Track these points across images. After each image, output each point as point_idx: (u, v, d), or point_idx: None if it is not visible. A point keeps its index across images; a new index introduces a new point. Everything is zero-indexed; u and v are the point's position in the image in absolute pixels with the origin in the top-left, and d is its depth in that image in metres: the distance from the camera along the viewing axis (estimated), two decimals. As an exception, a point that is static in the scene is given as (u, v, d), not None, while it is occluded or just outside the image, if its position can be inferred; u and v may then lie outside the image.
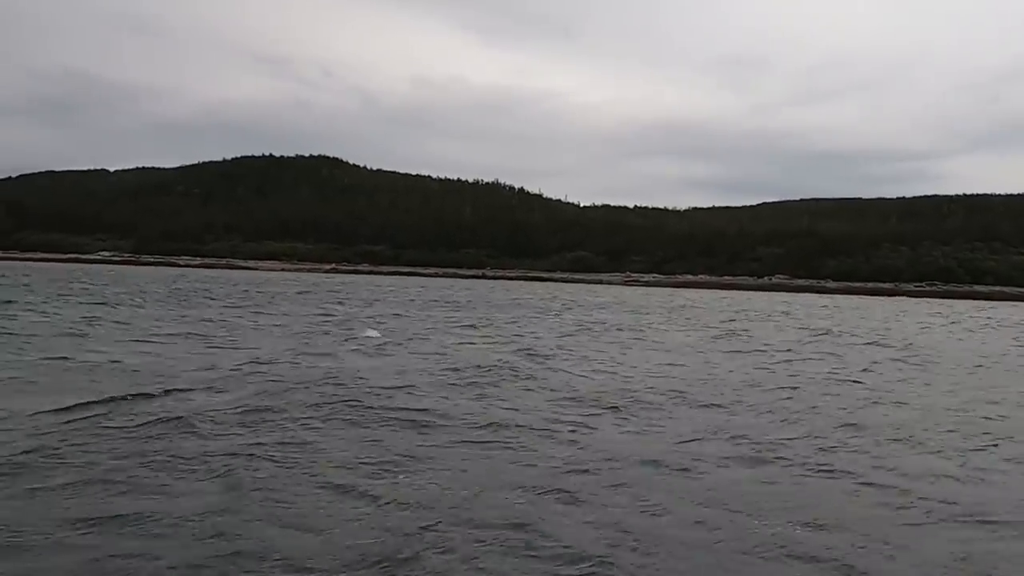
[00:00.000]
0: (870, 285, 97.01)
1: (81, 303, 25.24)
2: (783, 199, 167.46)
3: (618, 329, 23.04)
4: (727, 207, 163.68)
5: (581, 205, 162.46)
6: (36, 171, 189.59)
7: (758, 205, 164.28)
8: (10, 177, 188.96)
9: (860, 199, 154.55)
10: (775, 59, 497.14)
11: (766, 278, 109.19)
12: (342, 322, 21.89)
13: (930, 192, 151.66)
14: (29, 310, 21.26)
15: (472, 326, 22.50)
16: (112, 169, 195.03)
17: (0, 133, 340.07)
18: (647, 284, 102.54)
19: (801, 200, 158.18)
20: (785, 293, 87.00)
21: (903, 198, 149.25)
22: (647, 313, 33.14)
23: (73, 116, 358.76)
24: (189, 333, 16.77)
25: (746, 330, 24.91)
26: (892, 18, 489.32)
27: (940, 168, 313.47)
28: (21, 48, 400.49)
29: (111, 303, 26.06)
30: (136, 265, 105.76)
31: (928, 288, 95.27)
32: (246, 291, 39.41)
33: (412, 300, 37.45)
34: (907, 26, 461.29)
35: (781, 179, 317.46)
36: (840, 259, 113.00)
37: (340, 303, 32.17)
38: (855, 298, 78.59)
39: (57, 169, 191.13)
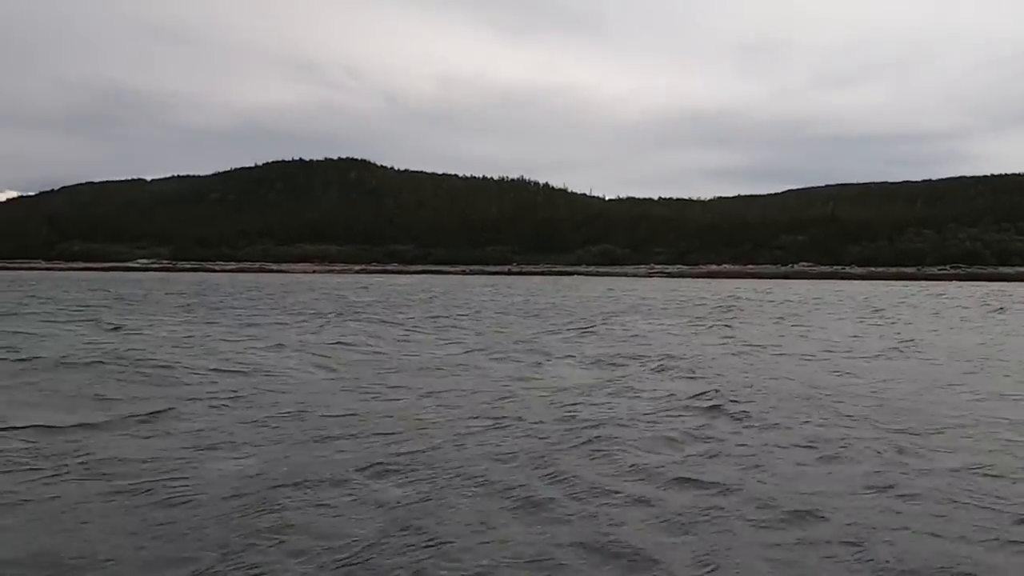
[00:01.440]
0: (893, 270, 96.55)
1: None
2: (808, 185, 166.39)
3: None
4: (751, 195, 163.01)
5: (606, 198, 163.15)
6: (76, 183, 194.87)
7: (783, 192, 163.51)
8: (52, 190, 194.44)
9: (886, 183, 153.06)
10: (798, 43, 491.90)
11: (790, 266, 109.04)
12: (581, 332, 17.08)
13: (957, 174, 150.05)
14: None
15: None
16: (149, 178, 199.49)
17: (40, 146, 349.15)
18: (671, 275, 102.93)
19: (826, 186, 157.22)
20: (808, 281, 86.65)
21: (929, 181, 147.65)
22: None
23: (111, 127, 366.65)
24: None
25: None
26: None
27: (967, 148, 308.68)
28: (60, 61, 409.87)
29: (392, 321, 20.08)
30: (173, 272, 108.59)
31: (952, 271, 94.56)
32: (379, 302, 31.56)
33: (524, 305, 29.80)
34: (930, 4, 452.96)
35: (806, 165, 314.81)
36: (864, 244, 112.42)
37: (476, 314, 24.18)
38: (882, 283, 77.88)
39: (96, 180, 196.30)
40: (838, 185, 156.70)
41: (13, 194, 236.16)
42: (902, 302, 34.65)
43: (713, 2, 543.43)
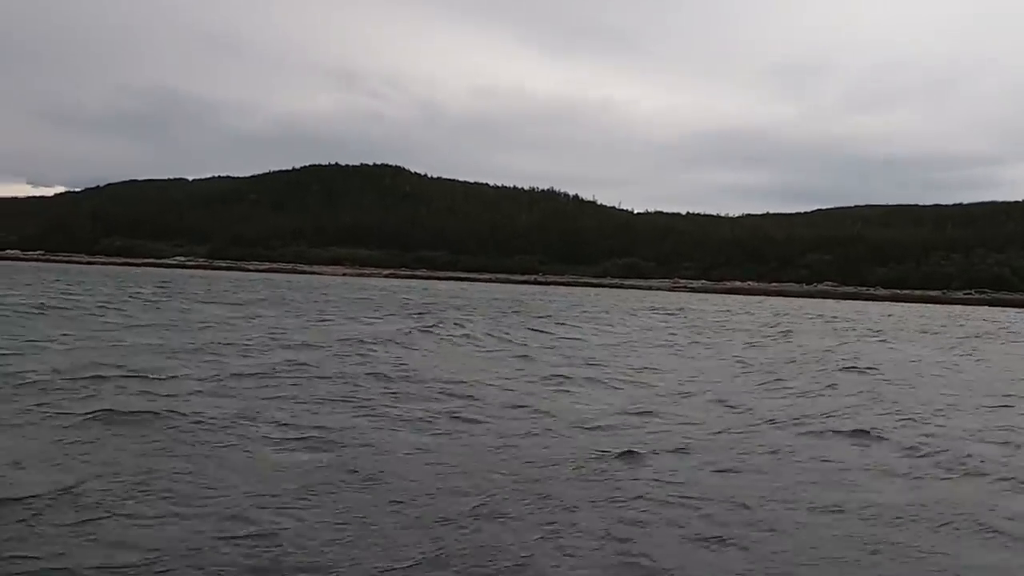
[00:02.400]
0: (917, 292, 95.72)
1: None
2: (838, 206, 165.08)
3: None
4: (780, 214, 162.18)
5: (634, 212, 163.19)
6: (119, 181, 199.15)
7: (811, 212, 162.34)
8: (97, 186, 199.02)
9: (916, 206, 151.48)
10: (832, 65, 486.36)
11: (814, 285, 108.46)
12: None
13: (988, 199, 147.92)
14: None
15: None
16: (191, 179, 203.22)
17: (90, 146, 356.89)
18: (695, 291, 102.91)
19: (855, 207, 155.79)
20: (832, 300, 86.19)
21: (960, 204, 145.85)
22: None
23: (158, 130, 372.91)
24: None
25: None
26: (951, 22, 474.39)
27: (1001, 174, 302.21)
28: (112, 66, 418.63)
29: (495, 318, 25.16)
30: (209, 270, 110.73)
31: (978, 296, 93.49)
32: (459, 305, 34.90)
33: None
34: (967, 29, 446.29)
35: (837, 186, 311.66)
36: (890, 266, 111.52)
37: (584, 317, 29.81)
38: (906, 305, 77.38)
39: (140, 179, 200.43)
40: (867, 206, 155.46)
41: (61, 189, 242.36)
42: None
43: (750, 24, 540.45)
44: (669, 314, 35.02)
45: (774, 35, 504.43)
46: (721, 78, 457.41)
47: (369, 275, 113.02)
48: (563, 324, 24.40)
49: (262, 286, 47.72)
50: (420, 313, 25.99)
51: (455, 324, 20.63)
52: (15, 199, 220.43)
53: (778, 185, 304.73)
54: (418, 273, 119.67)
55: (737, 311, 42.84)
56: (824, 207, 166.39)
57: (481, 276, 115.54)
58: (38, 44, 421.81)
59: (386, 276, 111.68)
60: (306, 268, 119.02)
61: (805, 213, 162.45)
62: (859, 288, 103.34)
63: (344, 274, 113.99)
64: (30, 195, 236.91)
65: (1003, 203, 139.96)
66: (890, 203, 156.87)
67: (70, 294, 27.65)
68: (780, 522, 5.05)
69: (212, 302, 27.95)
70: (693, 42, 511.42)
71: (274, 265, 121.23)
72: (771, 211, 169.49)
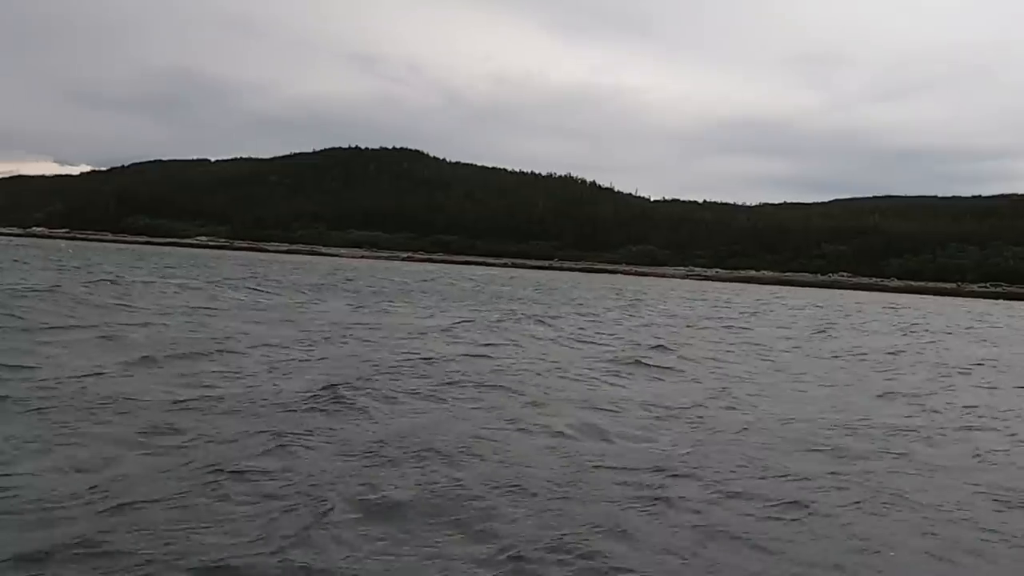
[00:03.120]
0: (931, 285, 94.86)
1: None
2: (856, 196, 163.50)
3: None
4: (797, 203, 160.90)
5: (651, 199, 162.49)
6: (143, 160, 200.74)
7: (829, 202, 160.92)
8: (123, 166, 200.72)
9: (934, 197, 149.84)
10: (853, 55, 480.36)
11: (829, 275, 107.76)
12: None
13: (1009, 191, 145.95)
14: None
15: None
16: (213, 159, 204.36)
17: (116, 126, 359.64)
18: (709, 279, 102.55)
19: (873, 197, 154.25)
20: (847, 291, 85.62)
21: (978, 197, 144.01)
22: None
23: (181, 110, 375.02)
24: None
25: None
26: (973, 13, 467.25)
27: (1022, 167, 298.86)
28: (137, 47, 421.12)
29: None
30: (230, 250, 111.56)
31: (992, 289, 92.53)
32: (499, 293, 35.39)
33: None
34: (991, 20, 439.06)
35: (855, 176, 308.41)
36: (906, 257, 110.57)
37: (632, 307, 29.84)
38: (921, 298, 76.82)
39: (164, 159, 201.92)
40: (885, 197, 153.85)
41: (87, 168, 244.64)
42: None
43: (772, 11, 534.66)
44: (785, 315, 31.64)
45: (797, 23, 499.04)
46: (742, 66, 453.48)
47: (387, 258, 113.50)
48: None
49: (311, 272, 47.40)
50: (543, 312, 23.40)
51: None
52: (42, 177, 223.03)
53: (797, 174, 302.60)
54: (435, 257, 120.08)
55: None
56: (842, 197, 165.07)
57: (498, 261, 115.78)
58: (64, 24, 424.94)
59: (404, 260, 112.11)
60: (324, 251, 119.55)
61: (823, 203, 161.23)
62: (873, 279, 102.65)
63: (362, 257, 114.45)
64: (56, 173, 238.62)
65: (1022, 195, 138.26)
66: (909, 194, 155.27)
67: (266, 289, 25.66)
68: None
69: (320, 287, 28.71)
70: (714, 29, 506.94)
71: (293, 247, 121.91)
72: (789, 200, 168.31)
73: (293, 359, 10.13)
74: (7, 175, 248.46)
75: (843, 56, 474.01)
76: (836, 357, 15.27)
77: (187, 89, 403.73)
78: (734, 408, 8.88)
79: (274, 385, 8.19)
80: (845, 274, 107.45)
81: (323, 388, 7.90)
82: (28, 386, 7.21)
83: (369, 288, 30.12)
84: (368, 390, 8.01)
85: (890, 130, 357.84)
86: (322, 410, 7.06)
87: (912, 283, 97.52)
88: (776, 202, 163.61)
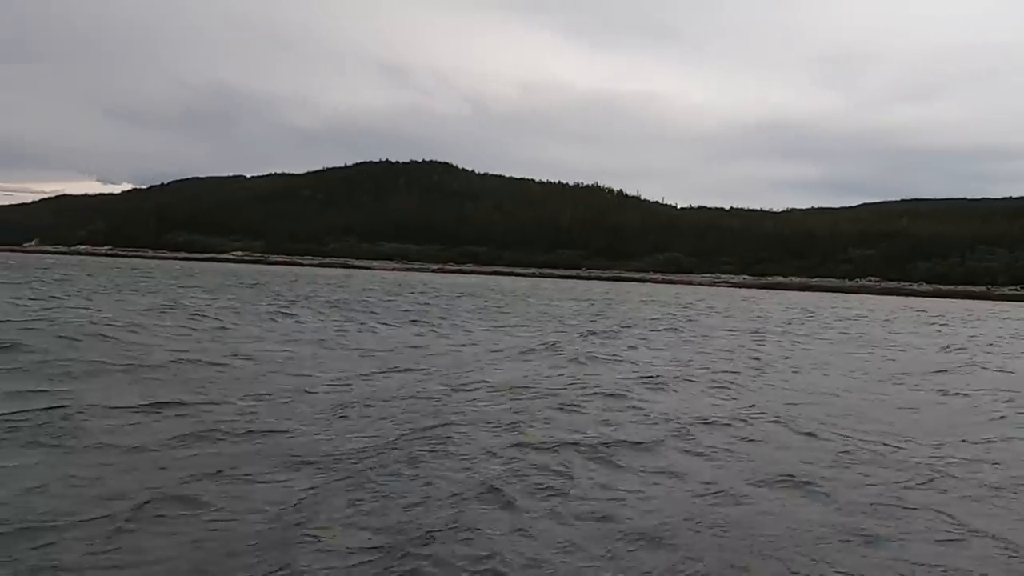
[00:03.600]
0: (960, 288, 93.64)
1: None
2: (885, 199, 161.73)
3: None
4: (825, 208, 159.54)
5: (677, 206, 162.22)
6: (183, 178, 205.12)
7: (857, 206, 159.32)
8: (162, 184, 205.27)
9: (964, 199, 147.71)
10: (880, 55, 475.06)
11: (856, 280, 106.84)
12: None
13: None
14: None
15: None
16: (248, 175, 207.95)
17: (157, 143, 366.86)
18: (736, 285, 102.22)
19: (902, 200, 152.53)
20: (873, 296, 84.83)
21: (1009, 198, 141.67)
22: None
23: (218, 126, 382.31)
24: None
25: None
26: (1003, 10, 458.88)
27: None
28: (178, 62, 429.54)
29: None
30: (265, 264, 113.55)
31: (1022, 292, 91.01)
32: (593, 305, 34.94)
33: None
34: (1019, 18, 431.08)
35: (884, 178, 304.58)
36: (934, 261, 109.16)
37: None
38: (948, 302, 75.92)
39: (202, 175, 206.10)
40: (914, 200, 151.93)
41: (128, 186, 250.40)
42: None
43: (795, 13, 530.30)
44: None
45: (821, 24, 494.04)
46: (767, 69, 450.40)
47: (418, 270, 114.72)
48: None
49: (366, 285, 46.96)
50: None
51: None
52: (86, 196, 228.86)
53: (824, 178, 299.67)
54: (464, 268, 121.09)
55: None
56: (870, 201, 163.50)
57: (526, 271, 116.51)
58: (104, 43, 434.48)
59: (434, 271, 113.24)
60: (356, 263, 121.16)
61: (851, 207, 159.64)
62: (901, 283, 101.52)
63: (393, 269, 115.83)
64: (99, 192, 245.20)
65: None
66: (938, 196, 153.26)
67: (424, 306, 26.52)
68: None
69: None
70: (738, 33, 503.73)
71: (326, 260, 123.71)
72: (816, 205, 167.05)
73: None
74: (53, 194, 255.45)
75: (868, 57, 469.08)
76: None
77: (224, 105, 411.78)
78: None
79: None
80: (873, 279, 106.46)
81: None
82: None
83: (463, 308, 27.95)
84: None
85: (918, 131, 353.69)
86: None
87: (940, 287, 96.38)
88: (803, 207, 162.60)
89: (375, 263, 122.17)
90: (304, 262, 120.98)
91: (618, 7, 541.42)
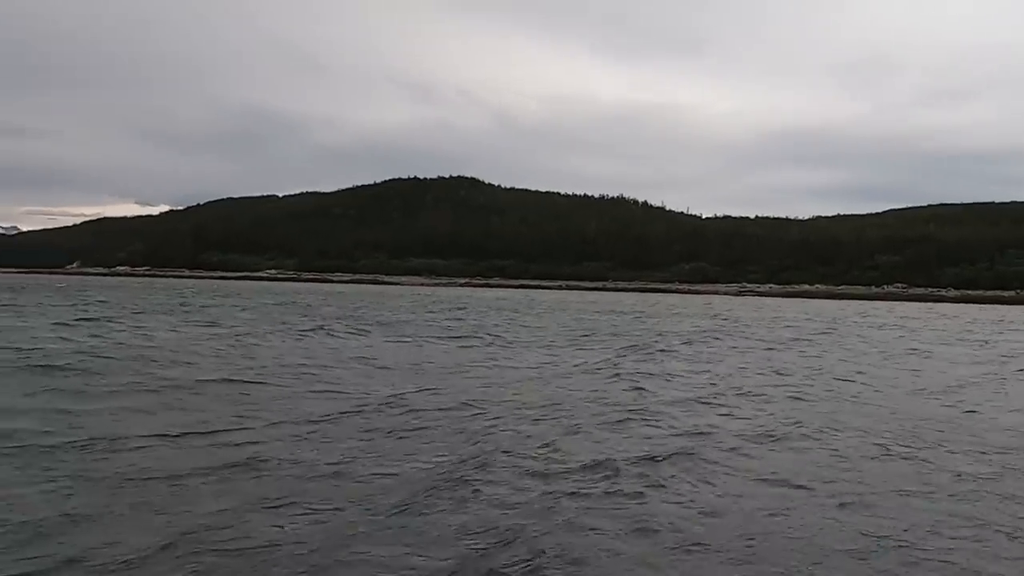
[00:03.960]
0: (989, 293, 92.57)
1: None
2: (910, 205, 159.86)
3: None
4: (850, 215, 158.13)
5: (702, 216, 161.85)
6: (218, 198, 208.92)
7: (883, 212, 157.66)
8: (198, 204, 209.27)
9: (991, 203, 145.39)
10: (904, 59, 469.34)
11: (882, 287, 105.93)
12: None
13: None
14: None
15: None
16: (281, 194, 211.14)
17: (193, 165, 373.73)
18: (762, 295, 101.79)
19: (928, 205, 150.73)
20: (901, 303, 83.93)
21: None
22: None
23: (250, 147, 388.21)
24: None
25: None
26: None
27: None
28: (209, 87, 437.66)
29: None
30: (297, 282, 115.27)
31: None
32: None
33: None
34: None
35: (910, 184, 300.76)
36: (962, 266, 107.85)
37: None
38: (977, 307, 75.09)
39: (236, 196, 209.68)
40: (941, 204, 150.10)
41: (166, 208, 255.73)
42: None
43: (818, 20, 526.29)
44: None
45: (844, 31, 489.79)
46: (790, 77, 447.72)
47: (446, 285, 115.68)
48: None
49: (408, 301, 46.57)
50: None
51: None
52: (124, 218, 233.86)
53: (850, 184, 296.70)
54: (491, 282, 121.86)
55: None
56: (897, 206, 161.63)
57: (552, 284, 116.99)
58: (142, 68, 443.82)
59: (462, 285, 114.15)
60: (385, 279, 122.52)
61: (877, 214, 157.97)
62: (929, 289, 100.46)
63: (422, 284, 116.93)
64: (138, 214, 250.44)
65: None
66: (965, 200, 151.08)
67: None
68: None
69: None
70: (761, 42, 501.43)
71: (357, 276, 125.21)
72: (842, 212, 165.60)
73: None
74: (93, 217, 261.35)
75: (892, 61, 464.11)
76: None
77: (257, 126, 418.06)
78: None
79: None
80: (899, 285, 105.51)
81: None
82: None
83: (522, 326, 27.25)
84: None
85: (943, 134, 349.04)
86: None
87: (969, 292, 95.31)
88: (829, 214, 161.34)
89: (404, 279, 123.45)
90: (335, 279, 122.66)
91: (641, 19, 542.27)
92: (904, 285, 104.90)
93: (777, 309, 55.45)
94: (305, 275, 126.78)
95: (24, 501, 5.39)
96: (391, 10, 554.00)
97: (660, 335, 24.29)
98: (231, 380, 11.10)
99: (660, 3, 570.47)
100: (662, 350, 18.78)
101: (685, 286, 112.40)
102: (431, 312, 35.34)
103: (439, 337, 20.52)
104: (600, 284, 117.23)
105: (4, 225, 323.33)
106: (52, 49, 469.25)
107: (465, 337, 20.78)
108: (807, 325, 33.41)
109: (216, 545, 4.73)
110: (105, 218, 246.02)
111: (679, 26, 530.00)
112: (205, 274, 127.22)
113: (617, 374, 13.38)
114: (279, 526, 5.09)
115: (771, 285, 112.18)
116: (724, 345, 21.17)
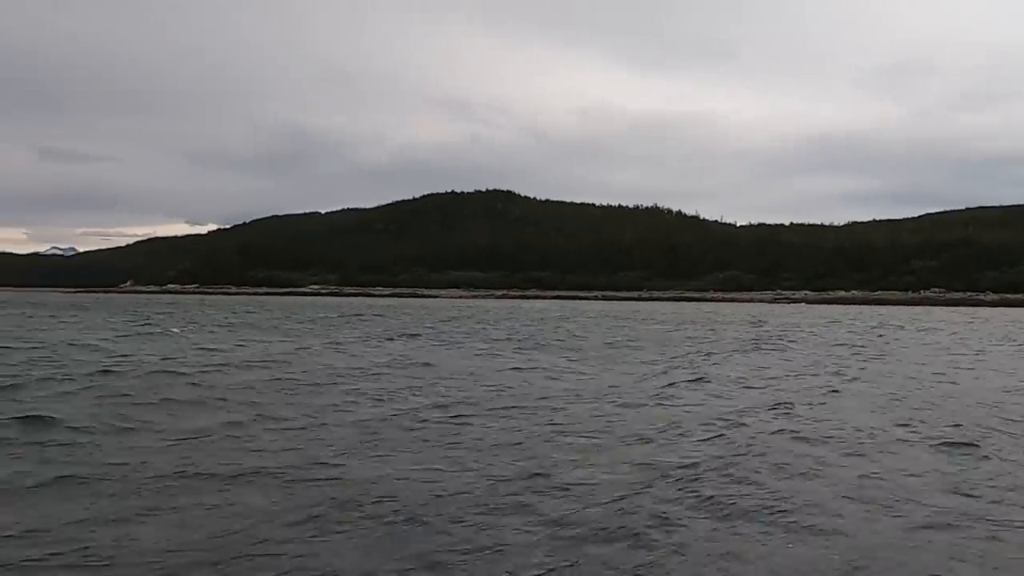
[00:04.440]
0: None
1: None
2: (947, 208, 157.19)
3: None
4: (887, 220, 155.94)
5: (737, 224, 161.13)
6: (263, 216, 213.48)
7: (920, 217, 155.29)
8: (244, 223, 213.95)
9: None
10: (938, 63, 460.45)
11: (921, 292, 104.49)
12: None
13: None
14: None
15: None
16: (323, 211, 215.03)
17: (239, 185, 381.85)
18: (796, 301, 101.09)
19: (966, 209, 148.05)
20: (939, 308, 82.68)
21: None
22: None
23: (292, 166, 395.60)
24: None
25: None
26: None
27: None
28: (252, 108, 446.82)
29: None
30: (339, 296, 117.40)
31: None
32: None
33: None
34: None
35: (946, 188, 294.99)
36: (1002, 270, 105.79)
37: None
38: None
39: (280, 213, 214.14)
40: (978, 208, 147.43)
41: (214, 227, 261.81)
42: None
43: (849, 26, 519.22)
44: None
45: (877, 35, 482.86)
46: (823, 83, 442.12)
47: (484, 297, 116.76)
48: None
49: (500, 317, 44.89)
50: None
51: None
52: (175, 238, 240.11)
53: (885, 190, 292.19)
54: (528, 293, 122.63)
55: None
56: (933, 211, 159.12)
57: (589, 294, 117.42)
58: (189, 92, 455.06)
59: (499, 297, 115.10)
60: (425, 292, 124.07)
61: (914, 218, 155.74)
62: (967, 294, 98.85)
63: (460, 296, 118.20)
64: (187, 233, 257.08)
65: None
66: (1003, 203, 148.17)
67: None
68: None
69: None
70: (792, 49, 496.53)
71: (397, 290, 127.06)
72: (878, 217, 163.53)
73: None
74: (145, 237, 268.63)
75: (926, 65, 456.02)
76: None
77: (299, 145, 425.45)
78: None
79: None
80: (937, 290, 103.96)
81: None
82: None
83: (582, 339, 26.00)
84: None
85: (979, 137, 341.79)
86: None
87: (1008, 296, 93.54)
88: (865, 219, 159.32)
89: (442, 292, 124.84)
90: (376, 292, 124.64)
91: (670, 30, 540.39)
92: (941, 290, 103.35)
93: (824, 315, 55.35)
94: (347, 289, 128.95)
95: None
96: (429, 26, 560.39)
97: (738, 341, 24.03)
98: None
99: (693, 12, 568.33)
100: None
101: (720, 294, 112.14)
102: (506, 322, 34.99)
103: (563, 352, 19.94)
104: (636, 294, 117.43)
105: (62, 247, 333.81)
106: (109, 78, 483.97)
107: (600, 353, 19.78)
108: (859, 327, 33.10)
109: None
110: (156, 238, 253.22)
111: (712, 35, 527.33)
112: (251, 290, 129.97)
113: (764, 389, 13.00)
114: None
115: (806, 292, 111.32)
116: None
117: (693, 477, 6.61)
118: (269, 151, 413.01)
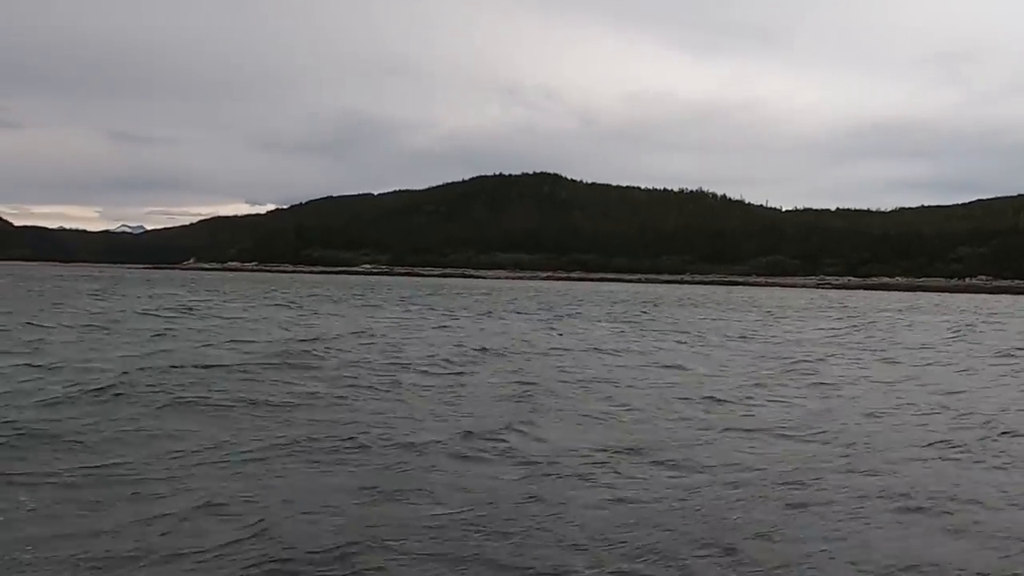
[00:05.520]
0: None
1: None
2: (999, 195, 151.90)
3: None
4: (935, 206, 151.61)
5: (782, 209, 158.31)
6: (318, 197, 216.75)
7: (970, 203, 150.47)
8: (300, 203, 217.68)
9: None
10: (994, 49, 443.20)
11: (966, 280, 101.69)
12: None
13: None
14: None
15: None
16: (376, 193, 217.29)
17: (295, 167, 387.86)
18: (840, 287, 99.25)
19: (1017, 195, 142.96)
20: (985, 296, 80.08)
21: None
22: None
23: (347, 149, 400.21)
24: None
25: None
26: None
27: None
28: (309, 95, 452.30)
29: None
30: (390, 276, 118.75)
31: None
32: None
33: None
34: None
35: (999, 175, 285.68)
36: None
37: None
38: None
39: (334, 195, 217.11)
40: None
41: (272, 207, 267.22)
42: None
43: (904, 11, 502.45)
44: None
45: (931, 22, 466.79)
46: (875, 69, 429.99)
47: (530, 278, 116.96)
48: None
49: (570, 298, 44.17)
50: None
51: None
52: (235, 217, 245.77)
53: (937, 176, 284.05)
54: (572, 275, 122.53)
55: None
56: (984, 197, 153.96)
57: (632, 277, 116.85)
58: (248, 79, 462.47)
59: (544, 279, 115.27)
60: (473, 273, 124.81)
61: (963, 204, 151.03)
62: (1015, 282, 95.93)
63: (507, 277, 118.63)
64: (247, 213, 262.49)
65: None
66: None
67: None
68: None
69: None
70: (844, 35, 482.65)
71: (446, 271, 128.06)
72: (927, 203, 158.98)
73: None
74: (207, 216, 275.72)
75: (981, 51, 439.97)
76: None
77: (354, 129, 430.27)
78: None
79: None
80: (984, 278, 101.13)
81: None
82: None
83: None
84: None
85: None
86: None
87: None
88: (914, 206, 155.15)
89: (489, 272, 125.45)
90: (425, 273, 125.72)
91: (721, 15, 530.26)
92: (988, 277, 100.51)
93: (887, 300, 53.20)
94: (397, 269, 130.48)
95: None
96: (479, 13, 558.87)
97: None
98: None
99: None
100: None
101: (762, 279, 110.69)
102: (604, 306, 33.86)
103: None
104: (679, 277, 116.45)
105: (131, 225, 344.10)
106: (178, 66, 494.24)
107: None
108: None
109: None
110: (218, 217, 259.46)
111: (760, 21, 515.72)
112: (307, 268, 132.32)
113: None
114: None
115: (850, 278, 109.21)
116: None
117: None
118: (325, 135, 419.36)
